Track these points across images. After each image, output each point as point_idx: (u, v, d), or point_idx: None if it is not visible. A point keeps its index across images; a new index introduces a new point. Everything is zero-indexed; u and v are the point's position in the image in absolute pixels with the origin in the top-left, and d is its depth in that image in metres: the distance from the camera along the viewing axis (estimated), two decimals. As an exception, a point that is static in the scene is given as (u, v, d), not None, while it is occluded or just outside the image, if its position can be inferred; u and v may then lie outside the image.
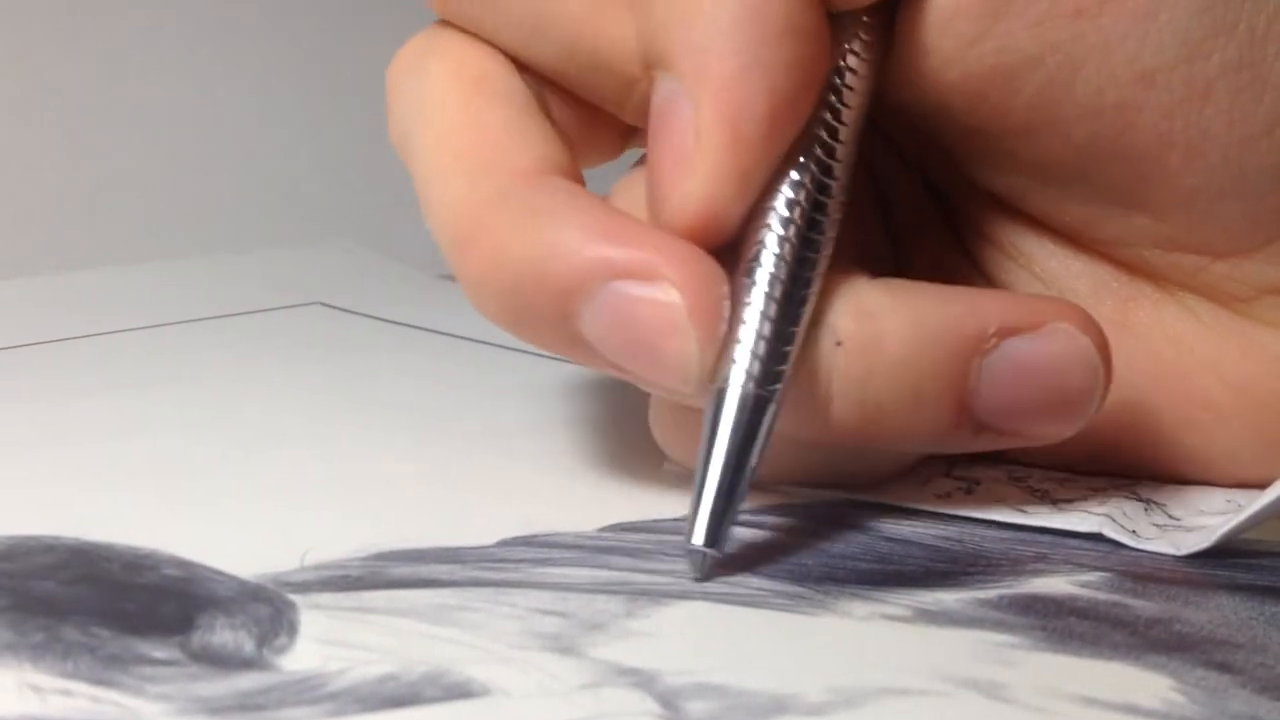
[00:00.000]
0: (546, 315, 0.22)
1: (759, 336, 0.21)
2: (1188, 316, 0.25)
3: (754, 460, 0.21)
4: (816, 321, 0.22)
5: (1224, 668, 0.19)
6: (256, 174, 0.52)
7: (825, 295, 0.22)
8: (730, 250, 0.22)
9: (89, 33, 0.49)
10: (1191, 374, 0.25)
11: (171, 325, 0.37)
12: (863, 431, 0.23)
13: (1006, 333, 0.22)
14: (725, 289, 0.21)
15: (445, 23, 0.25)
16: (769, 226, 0.22)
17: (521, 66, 0.24)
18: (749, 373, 0.21)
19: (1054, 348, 0.22)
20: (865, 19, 0.23)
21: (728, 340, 0.21)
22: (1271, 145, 0.23)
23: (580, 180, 0.23)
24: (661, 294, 0.21)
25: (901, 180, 0.27)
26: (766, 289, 0.22)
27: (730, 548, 0.22)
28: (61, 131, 0.48)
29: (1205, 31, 0.22)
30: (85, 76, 0.49)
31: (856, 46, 0.23)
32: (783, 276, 0.22)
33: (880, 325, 0.22)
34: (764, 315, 0.22)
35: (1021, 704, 0.18)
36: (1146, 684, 0.19)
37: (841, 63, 0.23)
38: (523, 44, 0.24)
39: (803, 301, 0.22)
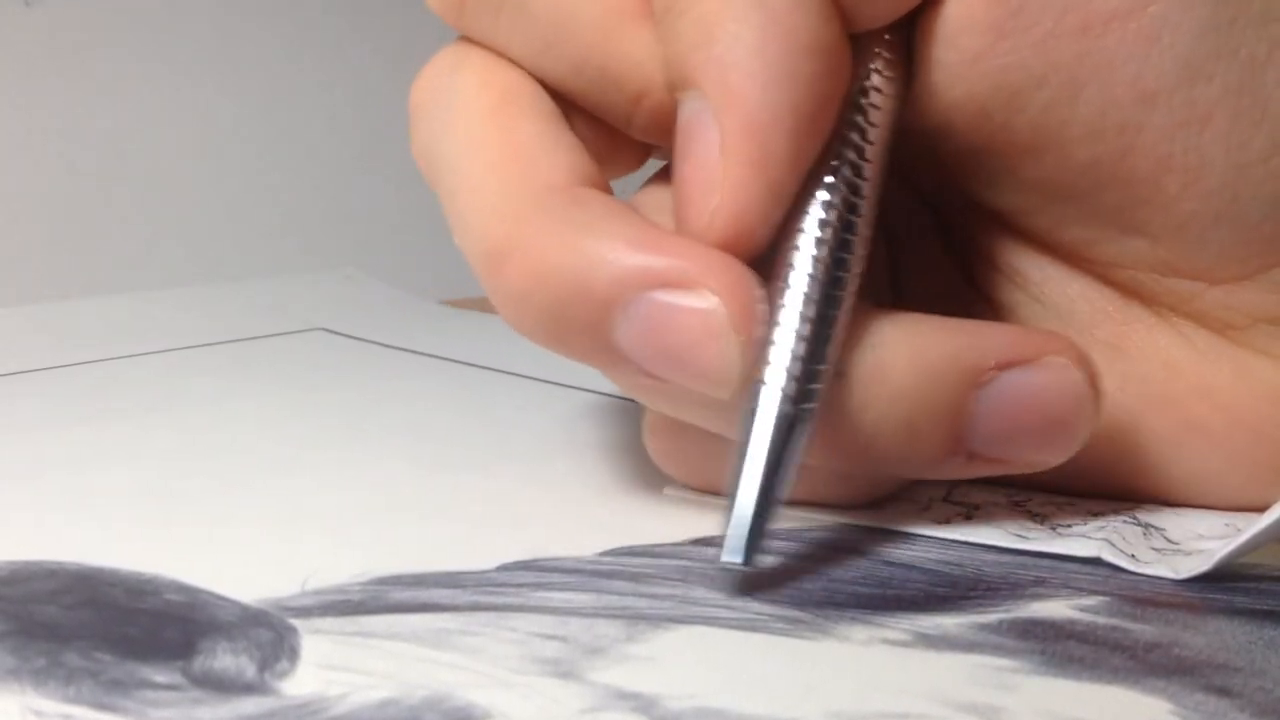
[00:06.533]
0: (584, 326, 0.22)
1: (794, 355, 0.22)
2: (1182, 342, 0.25)
3: (787, 478, 0.21)
4: None
5: (1223, 691, 0.19)
6: (260, 202, 0.52)
7: None
8: (761, 267, 0.22)
9: (92, 61, 0.49)
10: (1184, 399, 0.25)
11: (175, 351, 0.37)
12: (858, 457, 0.23)
13: (1004, 365, 0.23)
14: (762, 296, 0.21)
15: (465, 41, 0.25)
16: (800, 245, 0.22)
17: (539, 82, 0.24)
18: (784, 391, 0.21)
19: (1048, 380, 0.23)
20: (887, 37, 0.23)
21: (760, 356, 0.22)
22: (1268, 173, 0.23)
23: (610, 191, 0.23)
24: (701, 301, 0.21)
25: (901, 199, 0.27)
26: (801, 307, 0.22)
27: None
28: (63, 159, 0.48)
29: (1207, 55, 0.22)
30: (88, 104, 0.49)
31: (879, 65, 0.23)
32: (816, 295, 0.22)
33: (883, 356, 0.22)
34: (798, 334, 0.22)
35: (1021, 728, 0.18)
36: (1146, 708, 0.19)
37: (866, 81, 0.23)
38: (536, 58, 0.24)
39: (834, 321, 0.22)
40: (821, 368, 0.22)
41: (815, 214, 0.22)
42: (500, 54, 0.25)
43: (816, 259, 0.22)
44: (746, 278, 0.21)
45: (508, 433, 0.30)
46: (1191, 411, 0.25)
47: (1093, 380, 0.23)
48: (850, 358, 0.22)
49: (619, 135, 0.25)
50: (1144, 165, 0.23)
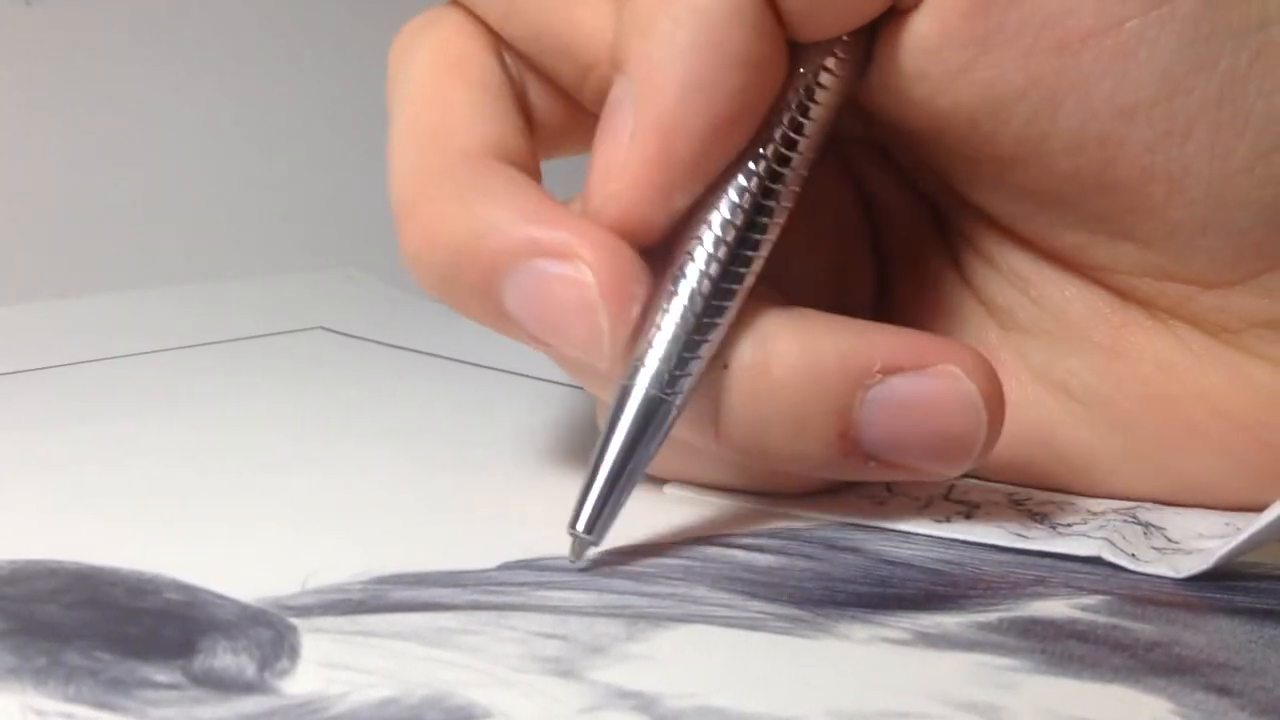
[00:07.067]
0: (474, 288, 0.23)
1: (670, 343, 0.22)
2: (1178, 345, 0.25)
3: (644, 459, 0.22)
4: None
5: (1223, 690, 0.19)
6: (259, 201, 0.52)
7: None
8: (663, 254, 0.23)
9: (92, 61, 0.49)
10: (1180, 401, 0.25)
11: (175, 350, 0.37)
12: (750, 450, 0.23)
13: (892, 369, 0.23)
14: (641, 276, 0.22)
15: (452, 3, 0.26)
16: (701, 238, 0.23)
17: (507, 48, 0.25)
18: (654, 376, 0.22)
19: (937, 388, 0.23)
20: (845, 38, 0.23)
21: (640, 342, 0.22)
22: (1253, 181, 0.23)
23: (534, 169, 0.24)
24: (576, 272, 0.22)
25: (899, 197, 0.27)
26: (686, 301, 0.22)
27: (608, 541, 0.22)
28: (63, 159, 0.48)
29: (1187, 68, 0.22)
30: (88, 104, 0.49)
31: (831, 64, 0.23)
32: (704, 291, 0.23)
33: (769, 351, 0.23)
34: (680, 325, 0.22)
35: (1021, 727, 0.18)
36: (1146, 707, 0.19)
37: (812, 79, 0.23)
38: (501, 20, 0.25)
39: (719, 313, 0.23)
40: (695, 357, 0.22)
41: (722, 210, 0.23)
42: (473, 15, 0.25)
43: (711, 256, 0.23)
44: (624, 256, 0.22)
45: (508, 431, 0.30)
46: (1188, 414, 0.25)
47: (989, 393, 0.23)
48: (736, 350, 0.23)
49: (579, 107, 0.25)
50: (1128, 175, 0.23)
